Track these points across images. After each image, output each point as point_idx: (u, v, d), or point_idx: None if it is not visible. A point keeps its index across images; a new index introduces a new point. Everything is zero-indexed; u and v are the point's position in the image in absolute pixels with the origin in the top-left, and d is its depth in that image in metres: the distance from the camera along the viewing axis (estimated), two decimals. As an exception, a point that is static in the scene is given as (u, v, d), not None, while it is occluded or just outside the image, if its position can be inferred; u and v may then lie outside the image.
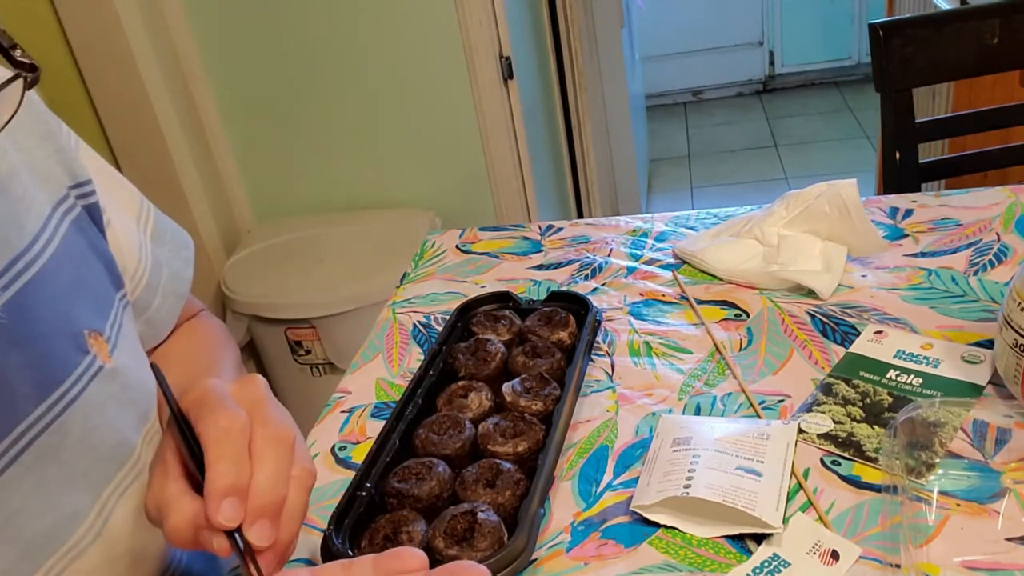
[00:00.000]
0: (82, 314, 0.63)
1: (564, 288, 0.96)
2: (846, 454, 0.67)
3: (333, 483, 0.73)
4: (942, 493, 0.62)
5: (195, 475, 0.50)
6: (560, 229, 1.09)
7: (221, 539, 0.47)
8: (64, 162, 0.64)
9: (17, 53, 0.44)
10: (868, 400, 0.72)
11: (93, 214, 0.67)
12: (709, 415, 0.74)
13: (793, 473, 0.65)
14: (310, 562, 0.65)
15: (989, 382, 0.72)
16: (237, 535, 0.47)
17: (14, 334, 0.55)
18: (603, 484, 0.68)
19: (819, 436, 0.69)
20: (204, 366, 0.76)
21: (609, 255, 1.01)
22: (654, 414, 0.75)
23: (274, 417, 0.51)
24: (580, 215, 2.70)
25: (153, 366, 0.57)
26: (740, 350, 0.81)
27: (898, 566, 0.57)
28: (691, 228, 1.04)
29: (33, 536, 0.56)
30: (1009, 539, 0.58)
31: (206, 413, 0.50)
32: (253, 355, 2.02)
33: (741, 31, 4.32)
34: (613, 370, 0.81)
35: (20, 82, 0.44)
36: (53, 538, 0.57)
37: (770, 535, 0.60)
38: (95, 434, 0.61)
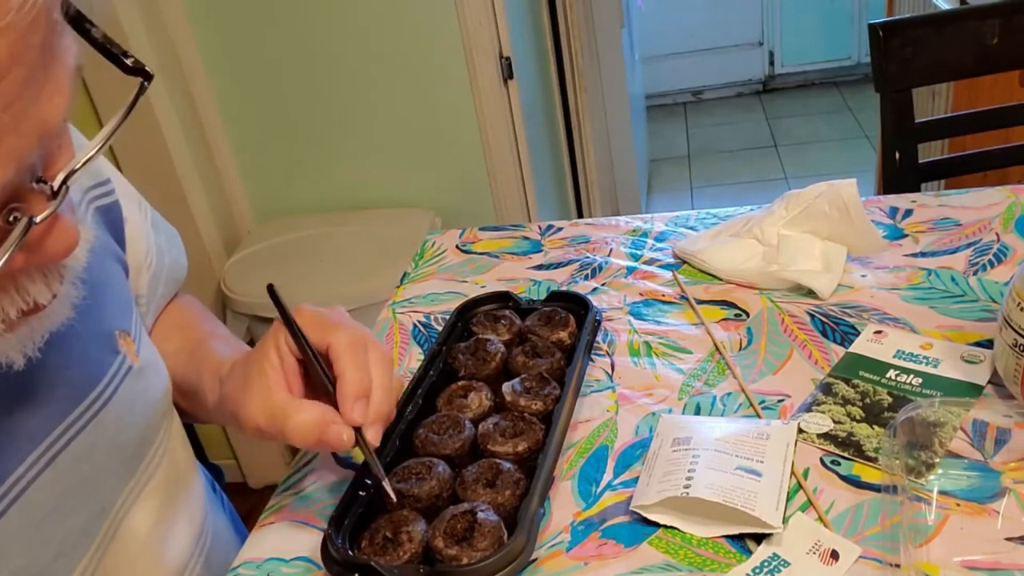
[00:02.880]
0: (111, 314, 0.64)
1: (564, 288, 0.96)
2: (846, 454, 0.67)
3: (333, 483, 0.73)
4: (942, 493, 0.62)
5: (291, 387, 0.61)
6: (560, 229, 1.09)
7: (350, 431, 0.59)
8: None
9: (130, 61, 0.48)
10: (868, 400, 0.72)
11: (113, 212, 0.68)
12: (709, 415, 0.74)
13: (793, 473, 0.65)
14: (310, 560, 0.65)
15: (989, 382, 0.72)
16: (357, 432, 0.60)
17: (52, 335, 0.55)
18: (603, 484, 0.68)
19: (819, 436, 0.69)
20: (206, 331, 0.79)
21: (609, 255, 1.01)
22: (654, 414, 0.75)
23: (376, 340, 0.63)
24: (580, 215, 2.70)
25: (270, 287, 0.66)
26: (740, 350, 0.81)
27: (898, 566, 0.57)
28: (691, 228, 1.04)
29: (66, 535, 0.57)
30: (1009, 539, 0.58)
31: (331, 329, 0.61)
32: (253, 355, 2.02)
33: (741, 31, 4.32)
34: (613, 370, 0.81)
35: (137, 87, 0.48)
36: (85, 536, 0.59)
37: (770, 535, 0.60)
38: (125, 432, 0.63)
